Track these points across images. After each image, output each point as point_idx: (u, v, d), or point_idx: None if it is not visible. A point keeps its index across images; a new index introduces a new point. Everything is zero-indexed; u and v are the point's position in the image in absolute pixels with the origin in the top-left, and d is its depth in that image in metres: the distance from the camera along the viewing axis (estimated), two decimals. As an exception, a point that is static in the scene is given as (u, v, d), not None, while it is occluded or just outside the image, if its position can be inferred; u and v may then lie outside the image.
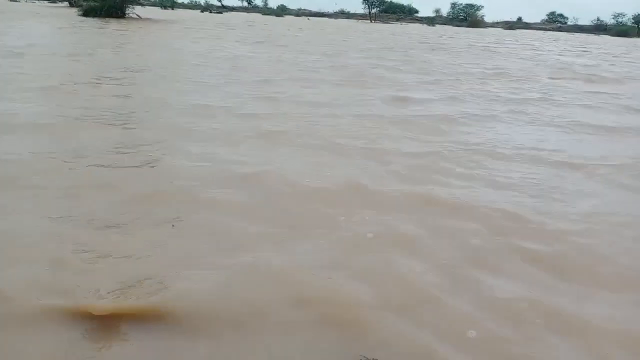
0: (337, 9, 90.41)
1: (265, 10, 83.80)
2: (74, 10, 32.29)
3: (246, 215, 3.13)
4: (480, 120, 6.53)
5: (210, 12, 69.21)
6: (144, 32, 19.89)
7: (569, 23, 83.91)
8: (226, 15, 62.54)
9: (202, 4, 77.69)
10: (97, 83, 7.63)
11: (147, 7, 38.47)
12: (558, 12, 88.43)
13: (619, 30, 68.91)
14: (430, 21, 76.43)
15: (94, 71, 8.78)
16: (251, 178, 3.79)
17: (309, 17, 76.05)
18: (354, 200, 3.50)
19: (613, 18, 76.55)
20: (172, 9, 51.83)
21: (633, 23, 73.82)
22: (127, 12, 30.49)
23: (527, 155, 4.88)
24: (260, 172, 3.92)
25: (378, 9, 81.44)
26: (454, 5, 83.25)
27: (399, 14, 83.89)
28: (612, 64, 17.62)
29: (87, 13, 28.61)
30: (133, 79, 8.32)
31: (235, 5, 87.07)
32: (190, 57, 12.14)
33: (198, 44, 16.22)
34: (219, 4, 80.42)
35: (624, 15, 75.86)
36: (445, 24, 74.31)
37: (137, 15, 30.74)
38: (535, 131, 6.16)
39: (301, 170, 4.06)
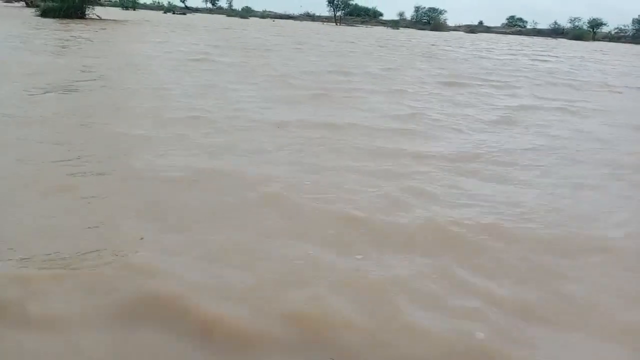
0: (302, 11, 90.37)
1: (230, 12, 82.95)
2: (31, 10, 31.16)
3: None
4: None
5: (174, 13, 68.03)
6: (103, 35, 19.26)
7: (528, 27, 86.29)
8: (190, 16, 61.58)
9: (165, 4, 76.28)
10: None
11: (107, 7, 37.45)
12: (517, 16, 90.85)
13: (575, 34, 71.30)
14: (394, 24, 77.28)
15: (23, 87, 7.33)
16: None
17: (274, 19, 75.72)
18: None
19: (570, 22, 79.22)
20: (134, 10, 50.55)
21: (588, 27, 76.55)
22: (86, 12, 29.59)
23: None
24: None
25: (343, 11, 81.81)
26: (417, 8, 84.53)
27: (363, 16, 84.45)
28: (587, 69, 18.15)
29: (45, 14, 27.63)
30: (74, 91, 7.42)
31: (199, 6, 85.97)
32: (149, 66, 10.99)
33: (159, 48, 15.77)
34: (182, 4, 79.23)
35: (579, 19, 78.66)
36: (408, 27, 75.27)
37: (98, 16, 29.87)
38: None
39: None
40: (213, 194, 3.67)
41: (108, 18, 30.11)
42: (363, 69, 12.92)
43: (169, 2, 78.52)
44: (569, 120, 7.66)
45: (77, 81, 8.22)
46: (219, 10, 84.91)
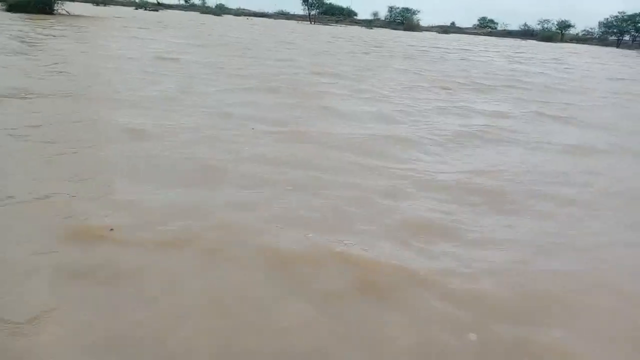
0: (276, 9, 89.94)
1: (204, 9, 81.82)
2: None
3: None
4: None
5: (146, 9, 66.60)
6: (71, 32, 18.61)
7: (498, 28, 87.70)
8: (162, 13, 60.45)
9: (137, 1, 74.63)
10: None
11: (77, 2, 36.42)
12: (489, 17, 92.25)
13: (545, 35, 72.81)
14: (368, 24, 77.64)
15: None
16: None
17: (248, 17, 75.03)
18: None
19: (539, 24, 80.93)
20: (105, 5, 49.26)
21: (557, 29, 78.31)
22: (55, 8, 28.72)
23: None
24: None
25: (317, 10, 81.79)
26: (391, 9, 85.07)
27: (338, 16, 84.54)
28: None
29: (11, 8, 26.74)
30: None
31: (172, 3, 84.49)
32: (117, 68, 10.39)
33: (130, 46, 15.29)
34: (154, 1, 77.60)
35: (549, 21, 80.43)
36: (382, 27, 75.63)
37: (67, 11, 29.04)
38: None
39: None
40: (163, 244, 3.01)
41: (78, 14, 29.29)
42: (341, 70, 12.80)
43: (141, -1, 76.84)
44: (553, 127, 7.59)
45: (39, 80, 7.74)
46: (193, 7, 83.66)
